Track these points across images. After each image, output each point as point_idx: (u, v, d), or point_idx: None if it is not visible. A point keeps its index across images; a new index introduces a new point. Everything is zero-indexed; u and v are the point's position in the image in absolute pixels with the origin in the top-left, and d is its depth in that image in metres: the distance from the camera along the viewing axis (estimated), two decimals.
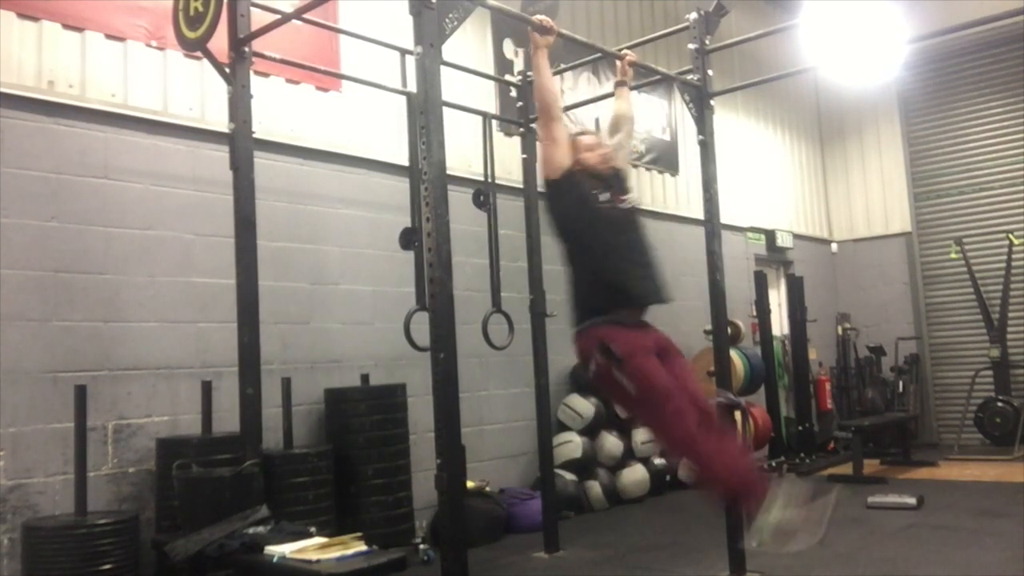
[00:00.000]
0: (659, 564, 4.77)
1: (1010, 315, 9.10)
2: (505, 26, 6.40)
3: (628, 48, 4.45)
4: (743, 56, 8.64)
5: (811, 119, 10.81)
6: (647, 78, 5.06)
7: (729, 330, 5.51)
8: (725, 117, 8.63)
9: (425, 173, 3.02)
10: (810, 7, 6.30)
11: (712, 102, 4.68)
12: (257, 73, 4.45)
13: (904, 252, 10.19)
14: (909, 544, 4.93)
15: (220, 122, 4.28)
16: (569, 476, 6.21)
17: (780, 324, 9.32)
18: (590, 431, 6.49)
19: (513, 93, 5.55)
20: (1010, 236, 9.07)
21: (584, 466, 6.36)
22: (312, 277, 5.16)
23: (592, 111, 6.79)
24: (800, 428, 8.54)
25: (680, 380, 3.13)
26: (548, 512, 5.10)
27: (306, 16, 4.19)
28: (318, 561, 2.97)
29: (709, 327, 4.82)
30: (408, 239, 4.41)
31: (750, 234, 9.21)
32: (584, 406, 6.51)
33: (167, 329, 4.46)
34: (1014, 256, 9.07)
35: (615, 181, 3.46)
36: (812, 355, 9.16)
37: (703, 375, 6.85)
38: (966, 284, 9.41)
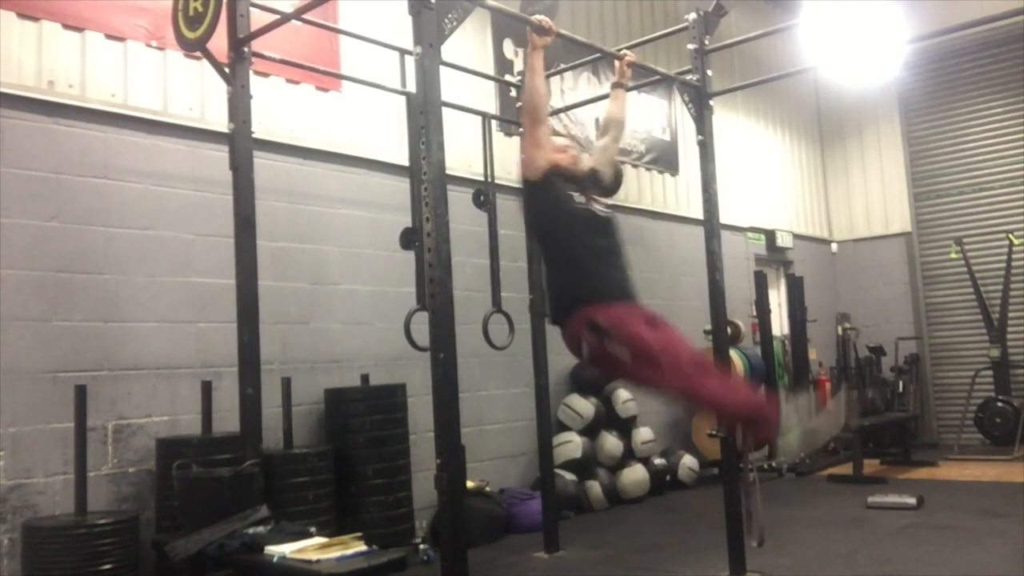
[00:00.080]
0: (659, 564, 4.77)
1: (1010, 315, 9.10)
2: (505, 26, 6.40)
3: (628, 48, 4.44)
4: (743, 56, 8.64)
5: (811, 119, 10.81)
6: (647, 78, 5.06)
7: (729, 330, 5.51)
8: (725, 117, 8.64)
9: (425, 173, 3.02)
10: (810, 7, 6.31)
11: (712, 102, 4.68)
12: (257, 73, 4.45)
13: (904, 252, 10.19)
14: (909, 544, 4.93)
15: (220, 122, 4.28)
16: (569, 476, 6.21)
17: (780, 324, 9.32)
18: (590, 431, 6.49)
19: (513, 93, 5.56)
20: (1010, 236, 9.08)
21: (584, 466, 6.36)
22: (312, 277, 5.16)
23: (592, 111, 6.79)
24: None
25: (671, 339, 3.22)
26: (548, 512, 5.10)
27: (306, 16, 4.19)
28: (318, 561, 2.97)
29: (709, 327, 4.82)
30: (408, 239, 4.41)
31: (750, 234, 9.21)
32: (584, 406, 6.51)
33: (167, 329, 4.46)
34: (1014, 256, 9.07)
35: (589, 183, 3.51)
36: (812, 355, 9.16)
37: None
38: (966, 284, 9.41)
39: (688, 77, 4.68)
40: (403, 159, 5.10)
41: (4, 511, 3.81)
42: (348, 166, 5.42)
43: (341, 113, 5.41)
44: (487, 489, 5.65)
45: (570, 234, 3.31)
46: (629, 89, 4.21)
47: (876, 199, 10.48)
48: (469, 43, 6.18)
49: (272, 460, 4.27)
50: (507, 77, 6.01)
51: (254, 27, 3.96)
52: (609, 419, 6.65)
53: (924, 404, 9.85)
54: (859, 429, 7.48)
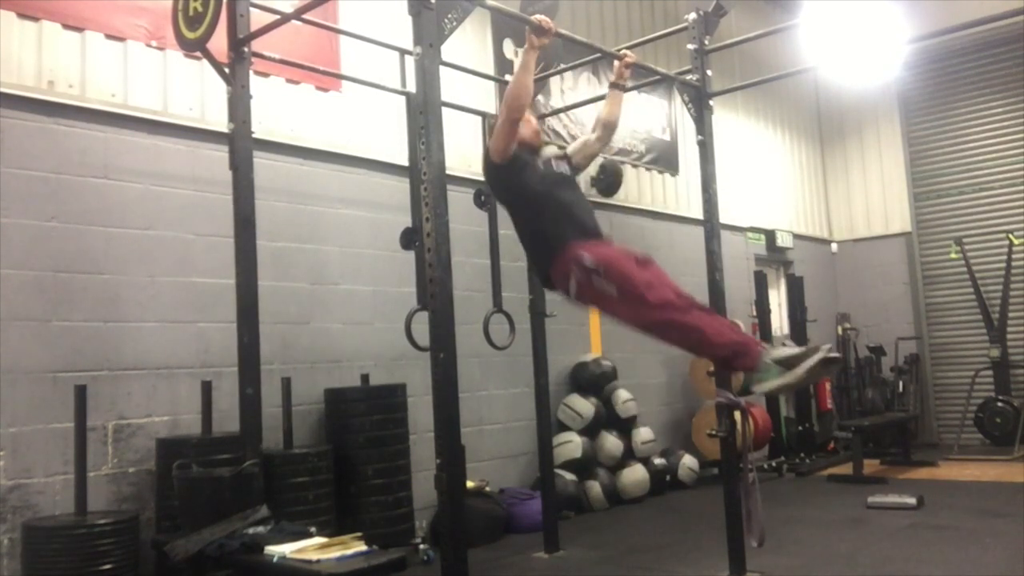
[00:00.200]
0: (659, 564, 4.77)
1: (1010, 315, 9.10)
2: (505, 26, 6.40)
3: (628, 48, 4.44)
4: (743, 56, 8.64)
5: (811, 119, 10.81)
6: (647, 78, 5.06)
7: None
8: (725, 117, 8.64)
9: (425, 173, 3.02)
10: (810, 7, 6.32)
11: (711, 102, 4.68)
12: (257, 73, 4.45)
13: (904, 252, 10.19)
14: (909, 544, 4.93)
15: (220, 122, 4.28)
16: (569, 476, 6.21)
17: (780, 324, 9.33)
18: (590, 431, 6.49)
19: None
20: (1010, 236, 9.08)
21: (584, 466, 6.36)
22: (312, 277, 5.16)
23: (592, 111, 6.77)
24: (800, 428, 8.55)
25: (658, 276, 3.36)
26: (548, 512, 5.10)
27: (306, 16, 4.19)
28: (318, 561, 2.97)
29: None
30: (408, 239, 4.41)
31: (750, 234, 9.21)
32: (584, 406, 6.51)
33: (167, 329, 4.46)
34: (1014, 256, 9.07)
35: (552, 155, 3.82)
36: None
37: (703, 375, 6.86)
38: (966, 284, 9.41)
39: (688, 77, 4.68)
40: (403, 159, 5.10)
41: (4, 511, 3.81)
42: (348, 166, 5.42)
43: (341, 113, 5.41)
44: (487, 489, 5.65)
45: (538, 193, 3.55)
46: (628, 89, 4.21)
47: (876, 199, 10.48)
48: (469, 43, 6.18)
49: (272, 460, 4.27)
50: (507, 77, 5.99)
51: (254, 27, 3.96)
52: (609, 419, 6.65)
53: (924, 404, 9.85)
54: (859, 429, 7.49)
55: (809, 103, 10.77)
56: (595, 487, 6.36)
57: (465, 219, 5.22)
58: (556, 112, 6.59)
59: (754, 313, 8.48)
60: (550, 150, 4.04)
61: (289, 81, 5.11)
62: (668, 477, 7.02)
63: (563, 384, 6.64)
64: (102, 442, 4.14)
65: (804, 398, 8.64)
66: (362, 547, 3.11)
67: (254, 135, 3.98)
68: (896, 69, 9.16)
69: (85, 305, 4.17)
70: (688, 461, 7.28)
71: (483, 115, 5.21)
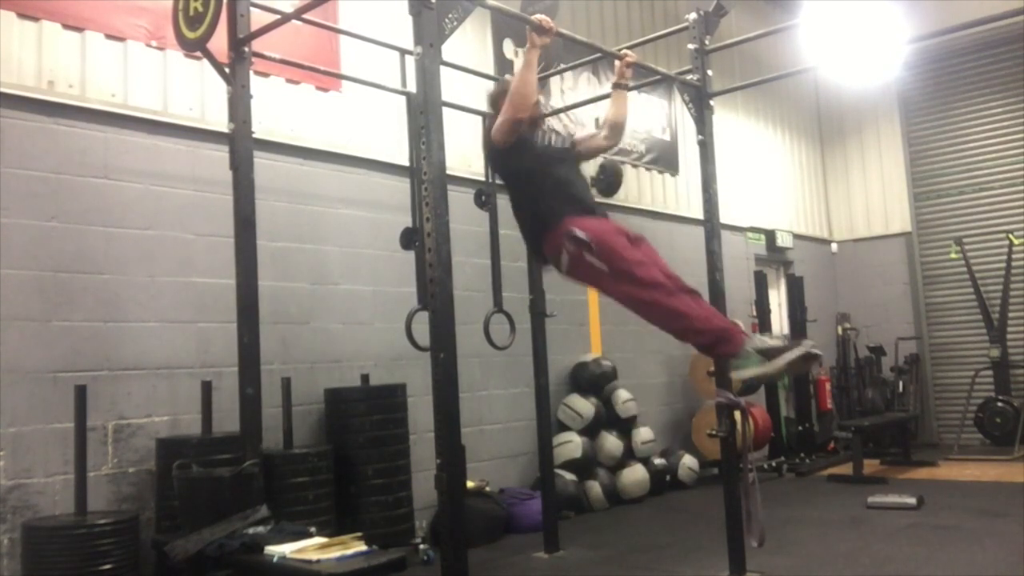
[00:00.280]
0: (659, 564, 4.77)
1: (1010, 315, 9.10)
2: (505, 26, 6.40)
3: (628, 48, 4.44)
4: (743, 56, 8.64)
5: (811, 119, 10.81)
6: (647, 78, 5.05)
7: None
8: (725, 117, 8.64)
9: (425, 173, 3.02)
10: (810, 7, 6.31)
11: (712, 102, 4.67)
12: (257, 73, 4.45)
13: (904, 252, 10.19)
14: (909, 544, 4.93)
15: (220, 122, 4.28)
16: (569, 476, 6.21)
17: (780, 324, 9.32)
18: (590, 431, 6.49)
19: None
20: (1010, 236, 9.07)
21: (584, 466, 6.36)
22: (312, 277, 5.16)
23: (592, 111, 6.79)
24: (800, 428, 8.55)
25: (649, 256, 3.43)
26: (548, 512, 5.10)
27: (306, 16, 4.19)
28: (318, 561, 2.97)
29: None
30: (408, 239, 4.41)
31: (750, 234, 9.21)
32: (584, 406, 6.51)
33: (167, 329, 4.46)
34: (1014, 256, 9.07)
35: (543, 123, 3.89)
36: None
37: (703, 375, 6.86)
38: (966, 284, 9.41)
39: (688, 77, 4.68)
40: (403, 159, 5.10)
41: (4, 511, 3.81)
42: (348, 166, 5.42)
43: (341, 113, 5.41)
44: (487, 489, 5.65)
45: (535, 170, 3.62)
46: (629, 89, 4.21)
47: (876, 199, 10.48)
48: (469, 43, 6.18)
49: (272, 460, 4.27)
50: (507, 77, 5.99)
51: (254, 27, 3.95)
52: (609, 419, 6.65)
53: (924, 404, 9.85)
54: (859, 429, 7.49)
55: (809, 103, 10.77)
56: (595, 487, 6.36)
57: (465, 219, 5.22)
58: (556, 112, 6.57)
59: (754, 313, 8.48)
60: (551, 124, 4.09)
61: (289, 81, 5.11)
62: (668, 477, 7.02)
63: (563, 384, 6.64)
64: (102, 442, 4.14)
65: (804, 398, 8.63)
66: (362, 547, 3.11)
67: (254, 135, 3.98)
68: (896, 69, 9.16)
69: (85, 305, 4.17)
70: (688, 461, 7.28)
71: (483, 115, 5.20)
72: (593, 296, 7.04)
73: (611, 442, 6.54)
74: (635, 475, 6.63)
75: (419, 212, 4.10)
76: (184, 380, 4.46)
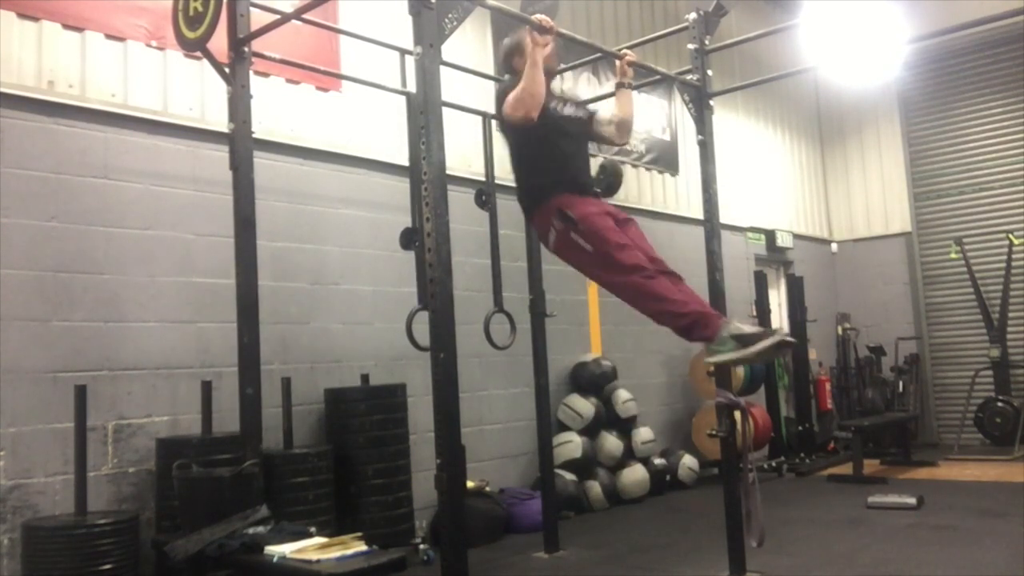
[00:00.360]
0: (659, 564, 4.76)
1: (1010, 315, 9.10)
2: (505, 26, 6.38)
3: (628, 48, 4.44)
4: (743, 56, 8.64)
5: (811, 119, 10.81)
6: (647, 78, 5.06)
7: None
8: (725, 117, 8.64)
9: (425, 173, 3.02)
10: (810, 7, 6.31)
11: (712, 102, 4.67)
12: (257, 73, 4.45)
13: (904, 252, 10.19)
14: (909, 544, 4.93)
15: (220, 122, 4.28)
16: (569, 476, 6.21)
17: (780, 324, 9.32)
18: (590, 431, 6.49)
19: None
20: (1010, 236, 9.08)
21: (584, 466, 6.36)
22: (312, 277, 5.16)
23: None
24: (800, 428, 8.55)
25: (634, 239, 3.48)
26: (548, 512, 5.10)
27: (306, 16, 4.19)
28: (318, 561, 2.97)
29: None
30: (408, 239, 4.41)
31: (750, 234, 9.21)
32: (584, 406, 6.51)
33: (167, 329, 4.46)
34: (1014, 256, 9.07)
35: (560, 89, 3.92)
36: (812, 355, 9.17)
37: (703, 375, 6.86)
38: (966, 284, 9.41)
39: (688, 77, 4.68)
40: (403, 159, 5.10)
41: (4, 511, 3.81)
42: (348, 166, 5.42)
43: (341, 113, 5.41)
44: (487, 489, 5.65)
45: (539, 138, 3.65)
46: (632, 88, 4.21)
47: (876, 199, 10.48)
48: (469, 43, 6.19)
49: (272, 460, 4.27)
50: (506, 77, 5.99)
51: (254, 27, 3.96)
52: (609, 419, 6.65)
53: (924, 404, 9.85)
54: (859, 429, 7.49)
55: (809, 103, 10.77)
56: (595, 487, 6.36)
57: (465, 219, 5.22)
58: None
59: (754, 313, 8.48)
60: (564, 92, 4.08)
61: (289, 81, 5.11)
62: (668, 477, 7.02)
63: (563, 384, 6.64)
64: (102, 442, 4.14)
65: (804, 398, 8.64)
66: (362, 547, 3.11)
67: (254, 135, 3.98)
68: (896, 69, 9.16)
69: (85, 305, 4.17)
70: (688, 461, 7.28)
71: (483, 115, 5.21)
72: (593, 296, 7.05)
73: (611, 442, 6.54)
74: (635, 475, 6.64)
75: (419, 212, 4.10)
76: (184, 380, 4.46)
